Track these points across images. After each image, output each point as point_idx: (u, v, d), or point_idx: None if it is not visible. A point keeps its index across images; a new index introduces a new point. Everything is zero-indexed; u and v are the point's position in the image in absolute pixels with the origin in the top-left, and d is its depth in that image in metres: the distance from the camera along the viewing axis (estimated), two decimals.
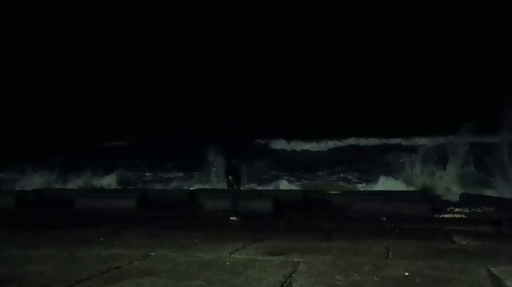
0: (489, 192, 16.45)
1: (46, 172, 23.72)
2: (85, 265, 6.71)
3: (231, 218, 12.18)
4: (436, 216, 12.70)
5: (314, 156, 29.97)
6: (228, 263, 6.79)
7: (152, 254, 7.43)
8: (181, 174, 23.47)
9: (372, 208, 12.84)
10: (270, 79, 38.44)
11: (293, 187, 19.34)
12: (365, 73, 37.96)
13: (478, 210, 13.28)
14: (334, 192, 17.07)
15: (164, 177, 23.67)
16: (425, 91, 35.86)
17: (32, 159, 26.88)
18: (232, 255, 7.38)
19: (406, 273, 6.14)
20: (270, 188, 19.14)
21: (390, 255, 7.48)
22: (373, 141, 33.63)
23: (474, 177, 18.72)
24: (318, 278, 5.94)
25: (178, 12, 41.83)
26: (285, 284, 5.77)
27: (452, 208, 13.93)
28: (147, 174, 24.97)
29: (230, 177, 12.57)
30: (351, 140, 34.04)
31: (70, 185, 21.69)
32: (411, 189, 18.17)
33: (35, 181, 22.54)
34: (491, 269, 6.33)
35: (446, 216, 12.80)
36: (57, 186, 21.37)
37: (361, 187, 19.62)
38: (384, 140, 32.79)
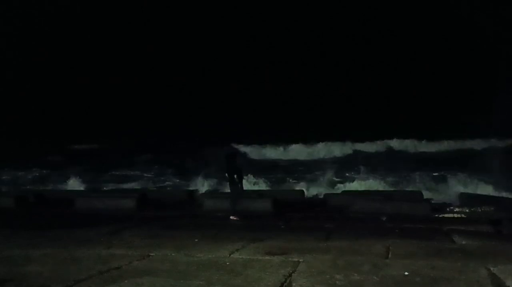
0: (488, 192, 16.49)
1: (46, 172, 23.80)
2: (84, 265, 6.71)
3: (231, 217, 12.19)
4: (436, 215, 12.70)
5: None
6: (227, 263, 6.78)
7: (152, 254, 7.42)
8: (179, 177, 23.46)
9: (372, 208, 12.83)
10: (270, 79, 38.46)
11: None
12: (365, 73, 37.97)
13: (478, 210, 13.28)
14: (334, 192, 17.08)
15: (162, 178, 23.68)
16: (425, 91, 35.88)
17: (32, 159, 26.96)
18: (231, 255, 7.37)
19: (406, 273, 6.14)
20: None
21: (390, 254, 7.47)
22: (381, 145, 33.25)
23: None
24: (318, 278, 5.94)
25: (178, 12, 41.85)
26: (285, 284, 5.77)
27: (452, 207, 13.94)
28: (145, 175, 25.04)
29: (235, 176, 12.60)
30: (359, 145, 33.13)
31: (70, 185, 21.69)
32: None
33: (34, 181, 22.59)
34: (491, 268, 6.32)
35: (446, 215, 12.81)
36: (57, 186, 21.39)
37: None
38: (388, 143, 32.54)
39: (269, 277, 5.98)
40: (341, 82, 36.67)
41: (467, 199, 15.02)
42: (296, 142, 32.65)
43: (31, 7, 39.05)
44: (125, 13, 40.23)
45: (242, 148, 30.42)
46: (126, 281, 5.82)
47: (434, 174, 21.28)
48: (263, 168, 23.44)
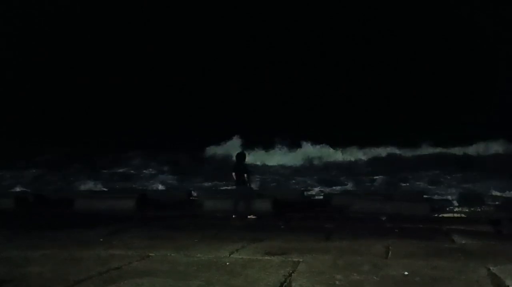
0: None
1: (46, 172, 23.81)
2: (84, 265, 6.71)
3: (249, 216, 12.26)
4: (436, 215, 12.72)
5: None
6: (227, 263, 6.79)
7: (152, 254, 7.42)
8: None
9: (372, 208, 12.85)
10: (270, 79, 38.43)
11: None
12: (365, 73, 37.95)
13: (478, 210, 13.31)
14: (333, 192, 17.10)
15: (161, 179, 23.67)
16: (425, 91, 35.87)
17: (32, 159, 26.95)
18: (231, 255, 7.38)
19: (406, 273, 6.14)
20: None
21: (389, 254, 7.49)
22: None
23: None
24: (318, 278, 5.94)
25: (178, 12, 41.82)
26: (284, 284, 5.77)
27: (451, 207, 13.97)
28: (145, 171, 25.07)
29: (245, 175, 12.64)
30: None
31: (70, 185, 21.71)
32: None
33: (34, 181, 22.58)
34: (491, 268, 6.33)
35: (445, 215, 12.84)
36: (57, 186, 21.40)
37: None
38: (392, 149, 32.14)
39: (268, 277, 5.99)
40: (341, 82, 36.66)
41: (466, 199, 15.06)
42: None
43: (31, 7, 39.04)
44: (125, 13, 40.23)
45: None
46: (125, 281, 5.81)
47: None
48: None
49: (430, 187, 18.97)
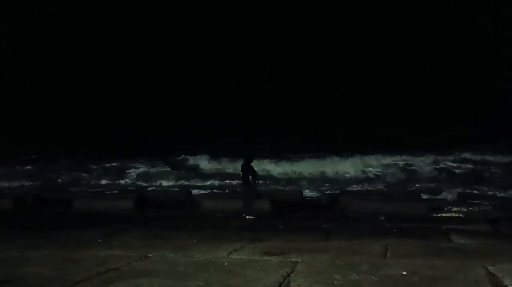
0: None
1: (45, 172, 23.82)
2: (83, 266, 6.72)
3: (247, 216, 12.31)
4: (434, 215, 12.73)
5: None
6: (226, 264, 6.80)
7: (150, 255, 7.43)
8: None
9: (371, 208, 12.86)
10: (270, 79, 38.41)
11: None
12: (365, 73, 37.92)
13: (476, 209, 13.33)
14: (332, 192, 17.11)
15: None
16: (425, 92, 35.85)
17: (31, 159, 26.96)
18: (230, 256, 7.39)
19: (404, 272, 6.15)
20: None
21: (388, 254, 7.50)
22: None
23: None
24: (316, 278, 5.95)
25: (178, 12, 41.81)
26: (283, 284, 5.77)
27: (450, 207, 13.97)
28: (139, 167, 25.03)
29: (250, 177, 12.73)
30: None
31: (69, 185, 21.74)
32: None
33: (34, 182, 22.62)
34: (489, 267, 6.35)
35: (444, 215, 12.85)
36: (57, 186, 21.42)
37: None
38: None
39: (267, 277, 5.99)
40: (341, 83, 36.64)
41: (465, 198, 15.09)
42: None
43: (31, 7, 39.05)
44: (125, 13, 40.22)
45: None
46: (124, 282, 5.82)
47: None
48: None
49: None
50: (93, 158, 28.98)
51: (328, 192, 17.62)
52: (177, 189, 19.84)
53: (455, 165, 24.09)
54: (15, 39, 39.36)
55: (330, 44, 38.86)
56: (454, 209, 13.65)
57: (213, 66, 39.65)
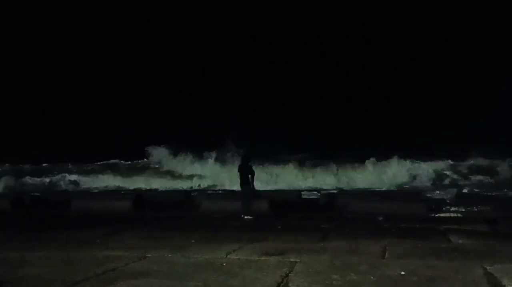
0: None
1: (44, 172, 23.80)
2: (81, 266, 6.72)
3: (245, 217, 12.30)
4: (433, 215, 12.74)
5: None
6: (224, 264, 6.79)
7: (149, 255, 7.43)
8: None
9: (369, 208, 12.87)
10: (270, 79, 38.38)
11: None
12: (365, 73, 37.90)
13: (474, 209, 13.33)
14: (330, 192, 17.11)
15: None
16: (424, 91, 35.82)
17: (31, 159, 26.95)
18: (228, 256, 7.38)
19: (403, 272, 6.15)
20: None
21: (386, 254, 7.49)
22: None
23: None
24: (315, 278, 5.95)
25: (178, 12, 41.79)
26: (281, 284, 5.77)
27: (448, 207, 13.97)
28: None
29: (249, 176, 12.72)
30: None
31: (69, 186, 21.74)
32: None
33: (33, 182, 22.62)
34: (487, 267, 6.34)
35: (442, 215, 12.86)
36: (56, 187, 21.42)
37: None
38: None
39: (265, 278, 5.99)
40: (341, 82, 36.61)
41: (463, 198, 15.09)
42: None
43: (31, 7, 39.04)
44: (125, 13, 40.20)
45: None
46: (122, 282, 5.82)
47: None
48: None
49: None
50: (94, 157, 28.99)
51: (327, 192, 17.58)
52: (175, 190, 19.81)
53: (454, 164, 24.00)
54: (15, 39, 39.35)
55: (330, 44, 38.84)
56: (453, 209, 13.65)
57: (213, 66, 39.65)
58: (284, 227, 10.94)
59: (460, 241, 8.73)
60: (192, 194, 16.66)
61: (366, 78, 37.39)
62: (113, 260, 7.09)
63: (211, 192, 18.43)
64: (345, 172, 24.87)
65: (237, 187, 14.14)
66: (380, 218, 11.84)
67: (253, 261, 6.96)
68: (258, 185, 18.22)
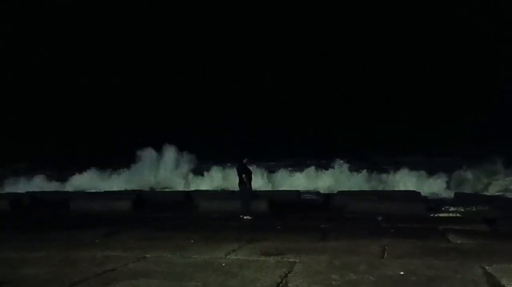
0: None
1: (44, 172, 23.80)
2: (80, 267, 6.73)
3: (244, 217, 12.31)
4: (432, 215, 12.74)
5: None
6: (224, 264, 6.80)
7: (148, 255, 7.44)
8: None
9: (368, 208, 12.86)
10: (270, 79, 38.41)
11: None
12: (364, 73, 37.92)
13: (473, 209, 13.33)
14: (329, 192, 17.10)
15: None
16: (424, 91, 35.82)
17: (31, 159, 26.93)
18: (228, 256, 7.39)
19: (402, 272, 6.15)
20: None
21: (385, 254, 7.49)
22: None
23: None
24: (314, 278, 5.95)
25: (178, 12, 41.83)
26: (280, 284, 5.78)
27: (447, 207, 13.98)
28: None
29: (244, 176, 12.73)
30: None
31: (68, 186, 21.75)
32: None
33: (32, 182, 22.63)
34: (486, 267, 6.35)
35: (441, 215, 12.87)
36: (55, 187, 21.42)
37: None
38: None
39: (265, 278, 6.00)
40: (341, 83, 36.63)
41: (462, 198, 15.09)
42: None
43: (31, 7, 39.07)
44: (125, 13, 40.23)
45: None
46: (121, 283, 5.83)
47: None
48: None
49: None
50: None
51: (326, 192, 17.57)
52: (174, 190, 19.81)
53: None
54: (15, 39, 39.37)
55: (330, 44, 38.86)
56: (452, 209, 13.66)
57: (213, 66, 39.67)
58: (283, 227, 10.93)
59: (459, 241, 8.73)
60: (192, 195, 16.64)
61: (366, 78, 37.43)
62: (113, 260, 7.10)
63: (210, 192, 18.32)
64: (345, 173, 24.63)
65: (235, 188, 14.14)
66: (379, 218, 11.83)
67: (252, 261, 6.96)
68: (256, 185, 18.40)
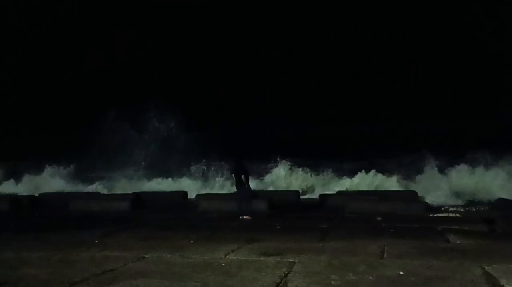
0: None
1: (43, 172, 23.73)
2: (79, 267, 6.70)
3: (244, 217, 12.31)
4: (431, 215, 12.75)
5: None
6: (223, 264, 6.78)
7: (147, 255, 7.42)
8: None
9: (367, 208, 12.88)
10: (270, 79, 38.45)
11: None
12: (364, 73, 37.98)
13: (472, 209, 13.35)
14: (329, 192, 17.10)
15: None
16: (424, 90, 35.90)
17: (30, 159, 26.80)
18: (227, 256, 7.37)
19: (401, 272, 6.15)
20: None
21: (385, 254, 7.49)
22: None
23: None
24: (313, 278, 5.94)
25: (178, 12, 41.82)
26: (280, 284, 5.76)
27: (446, 207, 13.99)
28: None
29: (242, 176, 12.74)
30: None
31: (68, 186, 21.70)
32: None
33: (31, 182, 22.56)
34: (486, 267, 6.34)
35: (440, 215, 12.86)
36: (55, 187, 21.38)
37: None
38: None
39: (264, 278, 5.98)
40: (341, 83, 36.71)
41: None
42: None
43: (32, 7, 39.06)
44: (125, 13, 40.23)
45: None
46: (120, 283, 5.80)
47: None
48: None
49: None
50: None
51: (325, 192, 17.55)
52: (173, 190, 19.75)
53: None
54: (15, 39, 39.36)
55: (330, 44, 38.92)
56: (451, 209, 13.68)
57: (212, 66, 39.69)
58: (282, 227, 10.92)
59: (458, 241, 8.74)
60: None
61: (366, 78, 37.52)
62: (112, 260, 7.07)
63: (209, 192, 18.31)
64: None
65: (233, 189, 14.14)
66: (379, 218, 11.84)
67: (251, 261, 6.95)
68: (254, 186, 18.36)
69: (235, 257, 7.30)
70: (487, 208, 13.26)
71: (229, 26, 39.42)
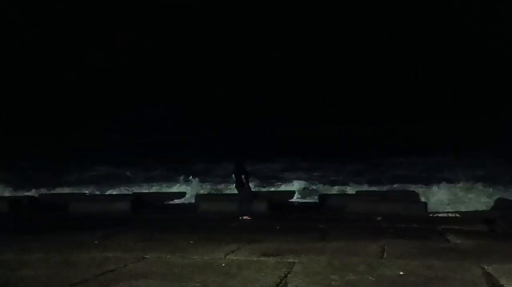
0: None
1: (43, 172, 23.77)
2: (79, 268, 6.69)
3: (244, 218, 12.31)
4: (431, 215, 12.75)
5: None
6: (223, 265, 6.77)
7: (147, 256, 7.41)
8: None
9: (367, 208, 12.88)
10: (270, 79, 38.46)
11: None
12: (364, 73, 37.98)
13: (472, 209, 13.35)
14: (328, 193, 17.10)
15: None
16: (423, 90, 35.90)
17: (30, 159, 26.87)
18: (227, 257, 7.37)
19: (401, 273, 6.14)
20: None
21: (385, 254, 7.48)
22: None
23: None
24: (313, 279, 5.94)
25: (178, 12, 41.81)
26: (280, 285, 5.75)
27: (446, 207, 14.00)
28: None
29: (242, 176, 12.74)
30: None
31: (67, 186, 21.72)
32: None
33: (31, 182, 22.57)
34: (486, 267, 6.34)
35: (440, 215, 12.86)
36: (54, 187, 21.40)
37: None
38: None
39: (264, 279, 5.98)
40: (341, 83, 36.71)
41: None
42: None
43: (31, 7, 39.07)
44: (125, 13, 40.24)
45: None
46: (121, 284, 5.80)
47: None
48: None
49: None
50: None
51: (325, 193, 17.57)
52: (173, 191, 19.77)
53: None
54: (15, 39, 39.38)
55: (330, 44, 38.92)
56: (451, 209, 13.68)
57: (213, 66, 39.70)
58: (282, 228, 10.93)
59: (458, 241, 8.74)
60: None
61: (366, 79, 37.51)
62: (112, 261, 7.06)
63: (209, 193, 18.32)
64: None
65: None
66: (379, 218, 11.85)
67: (251, 262, 6.95)
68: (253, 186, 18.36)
69: (235, 258, 7.29)
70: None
71: (229, 26, 39.42)
